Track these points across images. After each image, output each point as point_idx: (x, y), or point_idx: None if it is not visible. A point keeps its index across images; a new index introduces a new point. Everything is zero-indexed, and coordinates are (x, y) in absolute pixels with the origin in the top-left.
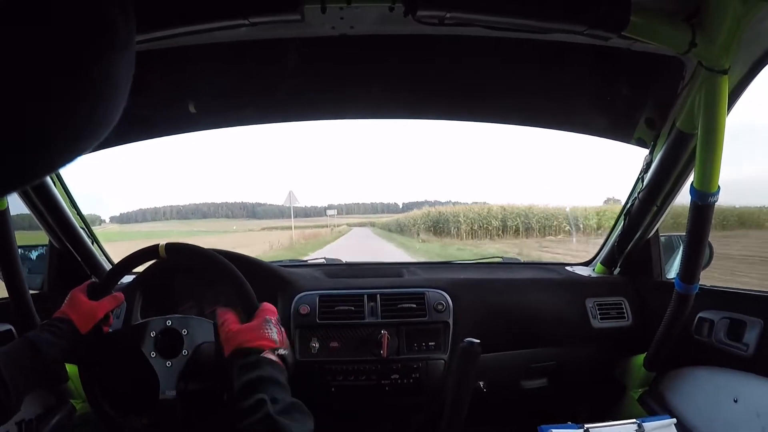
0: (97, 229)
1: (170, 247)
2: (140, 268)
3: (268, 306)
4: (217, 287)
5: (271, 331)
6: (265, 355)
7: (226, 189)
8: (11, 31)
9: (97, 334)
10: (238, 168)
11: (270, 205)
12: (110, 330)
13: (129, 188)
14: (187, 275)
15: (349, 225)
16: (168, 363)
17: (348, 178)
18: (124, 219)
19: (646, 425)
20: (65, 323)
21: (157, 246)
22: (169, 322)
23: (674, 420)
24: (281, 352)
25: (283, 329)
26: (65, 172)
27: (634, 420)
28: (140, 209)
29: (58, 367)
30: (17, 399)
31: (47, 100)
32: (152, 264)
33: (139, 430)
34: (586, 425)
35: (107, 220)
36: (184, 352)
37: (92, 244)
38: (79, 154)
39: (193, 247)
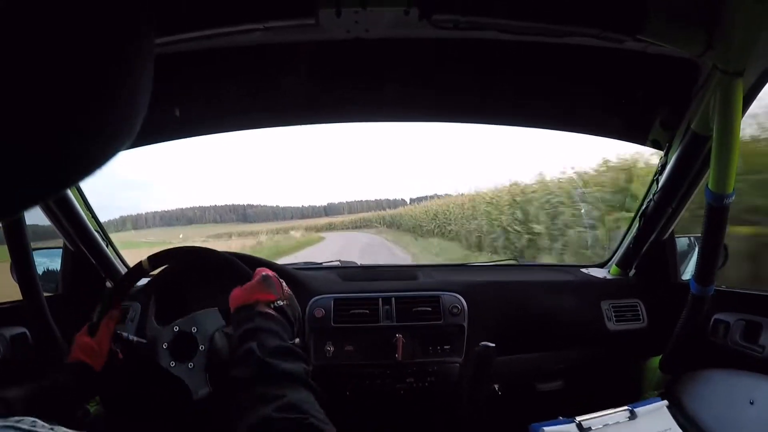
0: None
1: (152, 258)
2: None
3: (263, 268)
4: (230, 287)
5: (268, 286)
6: (259, 309)
7: (228, 191)
8: (39, 37)
9: (113, 365)
10: (239, 169)
11: (264, 206)
12: (125, 337)
13: (115, 192)
14: (201, 277)
15: (344, 227)
16: (190, 365)
17: (353, 176)
18: (105, 227)
19: (639, 410)
20: (80, 366)
21: (140, 263)
22: (176, 328)
23: (665, 402)
24: (278, 303)
25: (284, 283)
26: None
27: (625, 407)
28: (121, 217)
29: (80, 410)
30: None
31: (74, 110)
32: (165, 267)
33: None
34: (578, 418)
35: None
36: (201, 347)
37: (107, 246)
38: (105, 163)
39: (175, 250)
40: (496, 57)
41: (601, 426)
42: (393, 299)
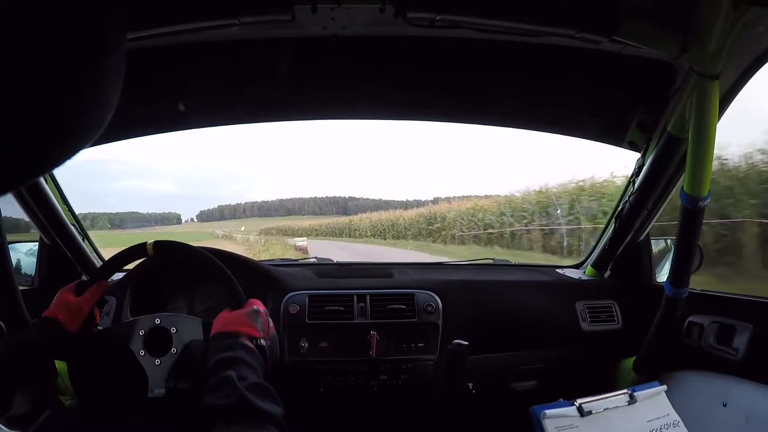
0: (176, 228)
1: (158, 245)
2: (130, 266)
3: (256, 300)
4: (207, 286)
5: (255, 320)
6: (242, 341)
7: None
8: (8, 32)
9: (86, 332)
10: (344, 161)
11: (366, 199)
12: (99, 327)
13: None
14: (178, 273)
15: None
16: (157, 361)
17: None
18: (204, 217)
19: (638, 393)
20: (53, 322)
21: (144, 244)
22: (158, 321)
23: (664, 387)
24: (261, 342)
25: (271, 322)
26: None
27: (625, 390)
28: (219, 206)
29: (47, 366)
30: (7, 400)
31: (41, 101)
32: (142, 262)
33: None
34: (578, 400)
35: (190, 219)
36: (173, 350)
37: (83, 240)
38: (74, 154)
39: (181, 245)
40: (472, 56)
41: (601, 409)
42: (368, 296)
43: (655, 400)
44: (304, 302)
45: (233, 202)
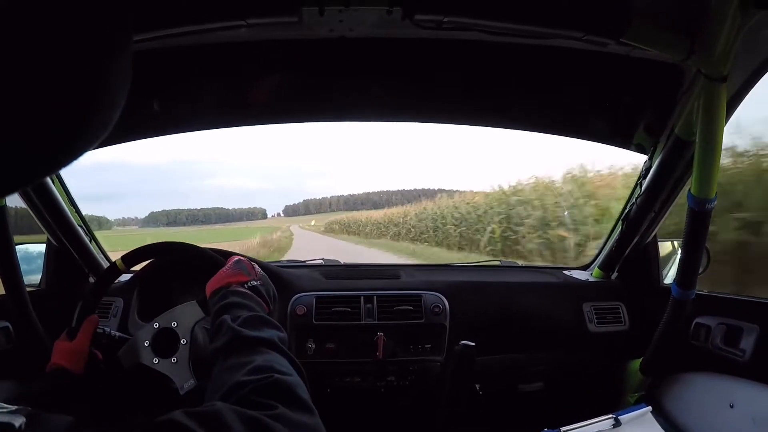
0: (261, 223)
1: (126, 257)
2: (136, 267)
3: (235, 255)
4: (208, 279)
5: (240, 268)
6: (233, 288)
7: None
8: (15, 33)
9: (94, 369)
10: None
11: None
12: (108, 332)
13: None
14: (184, 272)
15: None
16: (173, 360)
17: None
18: (289, 211)
19: (623, 417)
20: (60, 371)
21: (114, 264)
22: (156, 325)
23: (650, 408)
24: (251, 283)
25: (255, 264)
26: (65, 171)
27: (610, 415)
28: (304, 201)
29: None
30: None
31: (47, 101)
32: (149, 263)
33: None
34: (562, 429)
35: (276, 214)
36: (183, 341)
37: (90, 242)
38: (80, 154)
39: (143, 247)
40: (480, 59)
41: None
42: (375, 297)
43: (640, 422)
44: (311, 303)
45: (318, 197)
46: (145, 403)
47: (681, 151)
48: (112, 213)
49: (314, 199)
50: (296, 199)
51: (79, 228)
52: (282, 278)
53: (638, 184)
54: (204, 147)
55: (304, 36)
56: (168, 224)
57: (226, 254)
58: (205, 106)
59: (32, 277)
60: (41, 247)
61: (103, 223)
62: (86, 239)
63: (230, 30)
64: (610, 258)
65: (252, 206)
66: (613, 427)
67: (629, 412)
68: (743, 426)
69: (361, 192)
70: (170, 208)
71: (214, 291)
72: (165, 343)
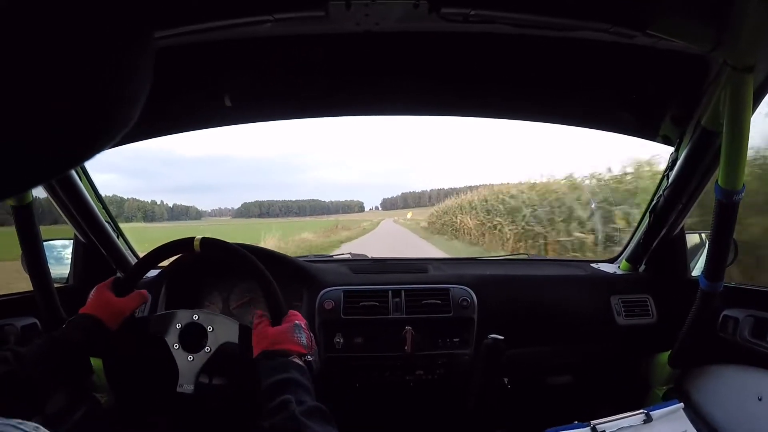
0: (356, 216)
1: (205, 242)
2: (165, 263)
3: (295, 313)
4: (243, 283)
5: (300, 336)
6: (293, 359)
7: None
8: (34, 29)
9: (125, 330)
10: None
11: None
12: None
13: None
14: (214, 271)
15: None
16: (190, 357)
17: None
18: (387, 204)
19: (654, 413)
20: (92, 320)
21: (192, 239)
22: (195, 317)
23: (681, 405)
24: (308, 358)
25: (312, 335)
26: (90, 166)
27: (642, 410)
28: (402, 194)
29: (85, 363)
30: (44, 397)
31: (69, 96)
32: (177, 258)
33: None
34: (593, 422)
35: (374, 207)
36: (207, 348)
37: (117, 237)
38: (100, 150)
39: (228, 245)
40: (506, 52)
41: (616, 429)
42: (402, 292)
43: (671, 418)
44: (339, 298)
45: (418, 190)
46: (148, 380)
47: (707, 142)
48: (208, 204)
49: (413, 192)
50: (394, 192)
51: (106, 224)
52: (310, 273)
53: (665, 176)
54: (305, 140)
55: (330, 30)
56: (260, 215)
57: (273, 259)
58: (231, 100)
59: (60, 272)
60: (69, 243)
61: (192, 213)
62: (114, 235)
63: (256, 25)
64: (638, 250)
65: (349, 198)
66: (644, 423)
67: (661, 408)
68: None
69: (463, 185)
70: (263, 200)
71: (271, 352)
72: (193, 338)
